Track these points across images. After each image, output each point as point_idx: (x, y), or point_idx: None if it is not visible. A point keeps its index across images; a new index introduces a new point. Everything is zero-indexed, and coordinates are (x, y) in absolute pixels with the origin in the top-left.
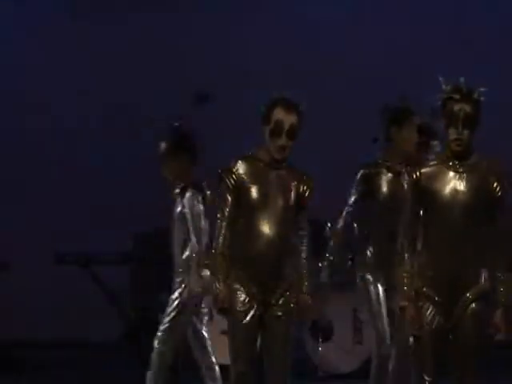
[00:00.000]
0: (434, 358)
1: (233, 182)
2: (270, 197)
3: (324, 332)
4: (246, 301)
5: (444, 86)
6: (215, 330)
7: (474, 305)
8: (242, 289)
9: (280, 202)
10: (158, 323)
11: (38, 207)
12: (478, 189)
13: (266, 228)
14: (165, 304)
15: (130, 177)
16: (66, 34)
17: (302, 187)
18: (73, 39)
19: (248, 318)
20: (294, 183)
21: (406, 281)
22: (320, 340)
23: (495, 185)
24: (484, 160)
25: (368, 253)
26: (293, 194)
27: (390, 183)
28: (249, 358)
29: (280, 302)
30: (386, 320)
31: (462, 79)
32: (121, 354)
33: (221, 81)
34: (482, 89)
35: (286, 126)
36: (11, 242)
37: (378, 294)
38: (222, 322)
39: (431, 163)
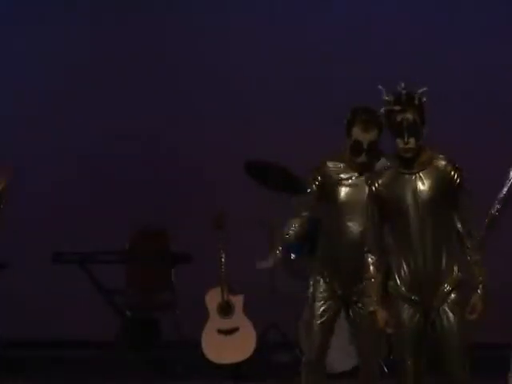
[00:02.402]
0: (415, 357)
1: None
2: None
3: None
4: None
5: (385, 97)
6: (212, 329)
7: (452, 295)
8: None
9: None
10: (155, 322)
11: (35, 206)
12: (437, 184)
13: None
14: (162, 303)
15: (127, 176)
16: None
17: None
18: None
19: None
20: None
21: (371, 286)
22: None
23: (452, 173)
24: (436, 154)
25: None
26: None
27: None
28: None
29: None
30: None
31: (401, 85)
32: (118, 354)
33: None
34: (422, 90)
35: (365, 145)
36: (8, 242)
37: None
38: (219, 321)
39: (386, 171)
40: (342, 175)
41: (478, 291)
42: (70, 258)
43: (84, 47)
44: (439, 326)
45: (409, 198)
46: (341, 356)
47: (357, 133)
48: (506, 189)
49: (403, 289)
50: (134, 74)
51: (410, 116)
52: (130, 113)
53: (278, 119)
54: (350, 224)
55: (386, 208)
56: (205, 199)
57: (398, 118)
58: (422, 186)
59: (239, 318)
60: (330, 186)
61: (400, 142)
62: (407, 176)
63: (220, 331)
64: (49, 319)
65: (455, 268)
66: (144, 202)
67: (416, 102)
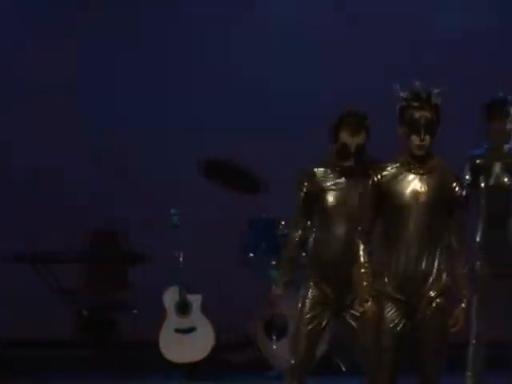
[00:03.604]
0: (393, 356)
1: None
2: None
3: (278, 330)
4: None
5: (401, 93)
6: (170, 328)
7: (438, 300)
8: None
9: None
10: (112, 322)
11: None
12: (439, 189)
13: None
14: (119, 303)
15: (86, 175)
16: None
17: None
18: None
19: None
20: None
21: (365, 276)
22: (274, 338)
23: (454, 185)
24: (442, 162)
25: None
26: None
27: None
28: None
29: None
30: None
31: (417, 83)
32: (75, 353)
33: None
34: (439, 90)
35: (352, 149)
36: None
37: None
38: (176, 320)
39: (392, 166)
40: (329, 181)
41: (462, 304)
42: (26, 258)
43: None
44: (421, 329)
45: (408, 197)
46: None
47: (344, 136)
48: None
49: (390, 288)
50: None
51: (427, 114)
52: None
53: (235, 118)
54: (338, 229)
55: (383, 202)
56: (161, 199)
57: (416, 115)
58: (424, 188)
59: (197, 318)
60: (317, 193)
61: (415, 139)
62: (411, 175)
63: (178, 330)
64: (3, 319)
65: (444, 274)
66: (100, 203)
67: (433, 101)
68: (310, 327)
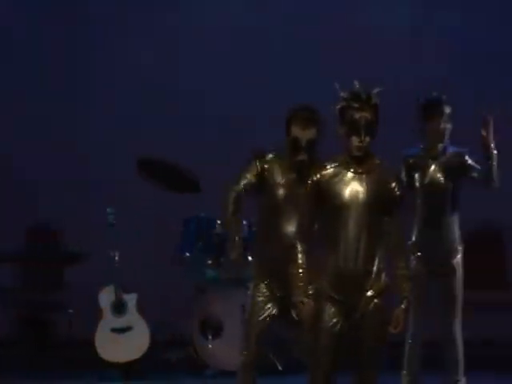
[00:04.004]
0: (330, 356)
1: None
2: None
3: (213, 329)
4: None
5: (341, 93)
6: (105, 328)
7: (376, 300)
8: None
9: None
10: (48, 322)
11: None
12: (378, 189)
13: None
14: (55, 302)
15: (19, 176)
16: None
17: None
18: None
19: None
20: None
21: (302, 276)
22: (210, 337)
23: (393, 185)
24: (383, 162)
25: None
26: None
27: None
28: None
29: None
30: None
31: (356, 83)
32: (10, 352)
33: None
34: (377, 90)
35: (304, 143)
36: None
37: None
38: (112, 320)
39: (331, 165)
40: (280, 175)
41: (402, 306)
42: None
43: None
44: (359, 329)
45: (347, 197)
46: (231, 353)
47: (295, 130)
48: None
49: (329, 287)
50: None
51: (367, 114)
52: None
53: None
54: (286, 225)
55: (322, 202)
56: (96, 198)
57: (356, 116)
58: (363, 187)
59: (132, 317)
60: (267, 186)
61: (355, 140)
62: (350, 175)
63: (113, 330)
64: None
65: (383, 274)
66: (36, 202)
67: (373, 101)
68: (259, 325)
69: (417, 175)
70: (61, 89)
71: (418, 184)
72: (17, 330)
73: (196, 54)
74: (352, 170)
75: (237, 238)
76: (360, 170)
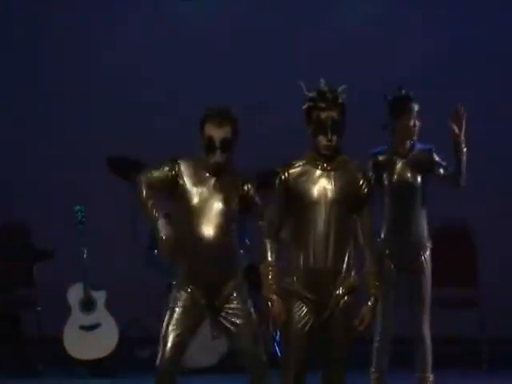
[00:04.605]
0: (301, 356)
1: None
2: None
3: None
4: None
5: (306, 92)
6: (74, 325)
7: (346, 298)
8: None
9: (220, 207)
10: (16, 319)
11: None
12: (346, 186)
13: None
14: (23, 299)
15: None
16: None
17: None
18: None
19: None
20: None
21: (271, 274)
22: None
23: (361, 182)
24: (351, 159)
25: None
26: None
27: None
28: None
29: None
30: None
31: (322, 81)
32: None
33: None
34: (343, 87)
35: (218, 143)
36: None
37: None
38: (81, 317)
39: (299, 163)
40: (196, 178)
41: (369, 303)
42: None
43: None
44: (328, 327)
45: (315, 195)
46: (205, 351)
47: (209, 129)
48: None
49: (298, 286)
50: None
51: (334, 114)
52: None
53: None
54: (205, 229)
55: (292, 200)
56: (65, 195)
57: (323, 116)
58: (331, 185)
59: (101, 314)
60: (182, 185)
61: (323, 139)
62: (318, 172)
63: (82, 327)
64: None
65: (352, 272)
66: (4, 198)
67: (340, 100)
68: (176, 332)
69: (385, 173)
70: (34, 88)
71: (386, 181)
72: None
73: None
74: (320, 168)
75: (160, 217)
76: (328, 168)
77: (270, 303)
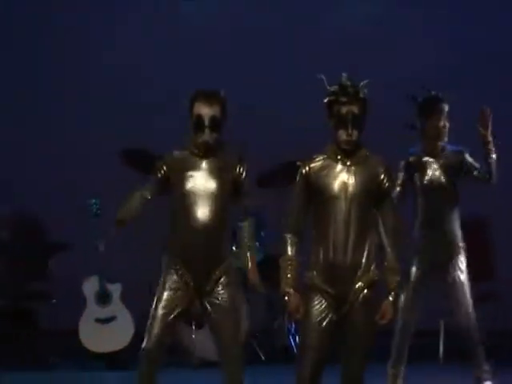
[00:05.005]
0: (318, 353)
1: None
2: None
3: (197, 319)
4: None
5: (328, 86)
6: (89, 318)
7: (365, 292)
8: None
9: (212, 190)
10: (31, 312)
11: None
12: (366, 181)
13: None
14: (39, 292)
15: (6, 161)
16: None
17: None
18: None
19: None
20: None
21: (289, 268)
22: (193, 327)
23: (382, 177)
24: (372, 154)
25: None
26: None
27: None
28: None
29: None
30: None
31: (344, 75)
32: None
33: None
34: (365, 82)
35: (207, 121)
36: None
37: None
38: (96, 310)
39: (319, 157)
40: (186, 162)
41: (390, 298)
42: None
43: None
44: (348, 322)
45: (336, 189)
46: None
47: (198, 107)
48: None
49: (319, 280)
50: None
51: (355, 109)
52: None
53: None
54: (197, 213)
55: (312, 194)
56: (81, 188)
57: (343, 110)
58: (352, 179)
59: (117, 307)
60: (175, 175)
61: (343, 134)
62: (340, 166)
63: (97, 320)
64: None
65: (372, 266)
66: (22, 192)
67: (361, 95)
68: (165, 313)
69: (417, 174)
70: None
71: (418, 182)
72: (1, 320)
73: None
74: (340, 162)
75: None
76: (349, 163)
77: (286, 297)
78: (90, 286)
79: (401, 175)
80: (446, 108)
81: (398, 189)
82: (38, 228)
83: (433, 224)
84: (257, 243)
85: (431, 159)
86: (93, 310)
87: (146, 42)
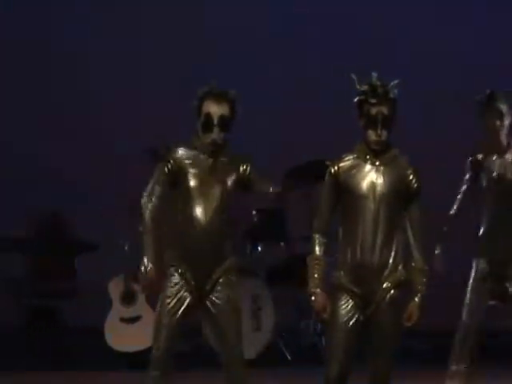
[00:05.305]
0: (345, 353)
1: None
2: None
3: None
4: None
5: (358, 86)
6: (115, 317)
7: (392, 292)
8: None
9: (216, 189)
10: (57, 310)
11: None
12: (395, 182)
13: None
14: (65, 291)
15: (34, 160)
16: None
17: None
18: None
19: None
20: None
21: (315, 268)
22: None
23: (411, 178)
24: (401, 154)
25: None
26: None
27: None
28: None
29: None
30: None
31: (374, 75)
32: (19, 342)
33: None
34: (395, 82)
35: (216, 119)
36: None
37: None
38: (122, 309)
39: (349, 157)
40: (192, 160)
41: (416, 299)
42: None
43: None
44: (374, 323)
45: (364, 189)
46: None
47: (207, 105)
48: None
49: (346, 279)
50: None
51: (385, 110)
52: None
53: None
54: (200, 211)
55: (341, 193)
56: (107, 187)
57: (373, 111)
58: (380, 179)
59: (142, 307)
60: (180, 173)
61: (372, 134)
62: (369, 166)
63: (122, 319)
64: None
65: (400, 267)
66: (48, 191)
67: (391, 95)
68: (171, 316)
69: (483, 172)
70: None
71: (484, 181)
72: (27, 318)
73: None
74: (369, 162)
75: (149, 255)
76: (378, 163)
77: (313, 297)
78: (116, 286)
79: (467, 173)
80: (506, 105)
81: (464, 187)
82: (64, 227)
83: (500, 222)
84: (282, 243)
85: (497, 157)
86: (118, 309)
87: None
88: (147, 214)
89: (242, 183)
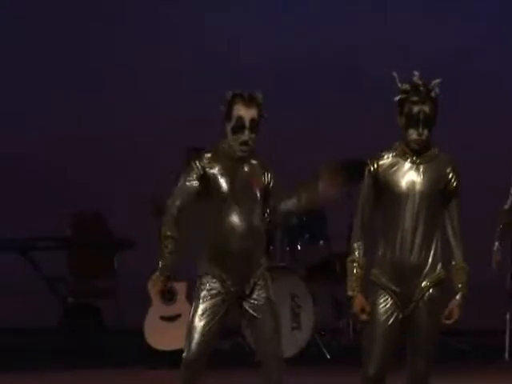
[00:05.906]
0: (383, 352)
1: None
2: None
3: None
4: None
5: (400, 84)
6: (155, 316)
7: (430, 291)
8: None
9: (250, 193)
10: (97, 309)
11: None
12: (434, 180)
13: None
14: (104, 290)
15: (71, 158)
16: None
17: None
18: None
19: None
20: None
21: (354, 270)
22: None
23: (450, 176)
24: (441, 153)
25: None
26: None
27: None
28: None
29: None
30: None
31: (416, 74)
32: (60, 340)
33: None
34: (437, 81)
35: (247, 122)
36: None
37: None
38: (162, 308)
39: (388, 155)
40: (223, 165)
41: (457, 298)
42: (9, 245)
43: None
44: (412, 321)
45: (404, 187)
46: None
47: (238, 109)
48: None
49: (385, 278)
50: None
51: (427, 109)
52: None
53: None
54: (236, 215)
55: (380, 192)
56: (150, 185)
57: (415, 110)
58: (420, 178)
59: (182, 305)
60: (209, 178)
61: (413, 133)
62: (408, 165)
63: (163, 318)
64: None
65: (438, 265)
66: (87, 189)
67: (433, 94)
68: (205, 321)
69: None
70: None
71: None
72: (66, 317)
73: None
74: (409, 161)
75: (165, 264)
76: (417, 161)
77: (351, 299)
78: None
79: None
80: None
81: None
82: (103, 226)
83: None
84: (321, 241)
85: None
86: (158, 307)
87: None
88: (169, 218)
89: (265, 190)
